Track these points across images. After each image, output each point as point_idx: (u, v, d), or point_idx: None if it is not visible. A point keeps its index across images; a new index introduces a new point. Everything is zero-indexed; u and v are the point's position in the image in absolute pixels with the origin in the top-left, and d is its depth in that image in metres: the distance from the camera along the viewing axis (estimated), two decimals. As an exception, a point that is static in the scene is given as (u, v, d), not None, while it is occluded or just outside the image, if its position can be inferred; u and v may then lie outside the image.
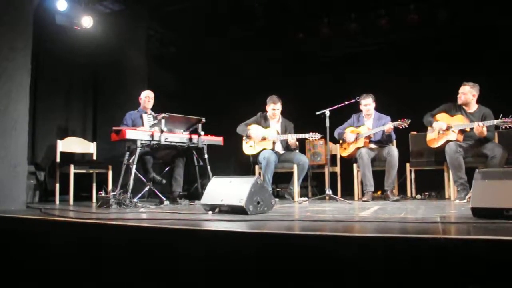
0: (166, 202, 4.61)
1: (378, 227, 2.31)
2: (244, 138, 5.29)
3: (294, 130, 5.33)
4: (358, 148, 5.00)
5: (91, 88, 6.52)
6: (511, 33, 5.58)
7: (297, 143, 5.19)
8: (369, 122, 5.15)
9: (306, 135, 5.03)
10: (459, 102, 4.61)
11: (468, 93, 4.54)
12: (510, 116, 4.11)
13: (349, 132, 5.17)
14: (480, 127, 4.24)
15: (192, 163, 4.95)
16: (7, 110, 3.90)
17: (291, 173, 5.14)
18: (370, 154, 4.93)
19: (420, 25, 6.13)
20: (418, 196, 5.11)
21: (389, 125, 4.84)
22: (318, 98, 5.32)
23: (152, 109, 5.16)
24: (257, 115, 5.41)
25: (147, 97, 5.09)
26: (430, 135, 4.79)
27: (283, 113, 5.41)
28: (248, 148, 5.25)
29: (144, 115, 4.67)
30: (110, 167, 5.19)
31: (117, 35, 6.30)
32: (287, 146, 5.31)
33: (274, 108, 5.27)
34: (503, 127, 4.17)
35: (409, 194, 5.16)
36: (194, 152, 4.90)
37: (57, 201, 4.92)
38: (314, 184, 5.71)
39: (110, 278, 2.40)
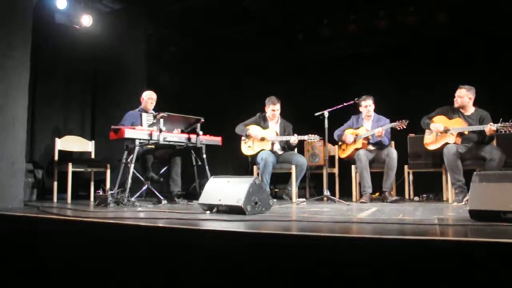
0: (164, 202, 4.60)
1: (376, 228, 2.31)
2: (242, 138, 5.29)
3: (293, 131, 5.33)
4: (356, 150, 5.00)
5: (90, 87, 6.52)
6: (510, 36, 5.59)
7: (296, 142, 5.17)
8: (368, 123, 5.16)
9: (305, 137, 5.02)
10: (456, 105, 4.62)
11: (464, 96, 4.55)
12: (510, 121, 4.11)
13: (348, 134, 5.18)
14: (492, 130, 4.23)
15: (190, 163, 4.94)
16: (5, 107, 3.90)
17: (290, 174, 5.14)
18: (369, 156, 4.93)
19: (419, 27, 6.14)
20: (416, 198, 5.11)
21: (379, 129, 4.84)
22: (317, 99, 5.32)
23: (153, 110, 5.14)
24: (256, 116, 5.41)
25: (150, 98, 5.05)
26: (428, 137, 4.80)
27: (282, 114, 5.41)
28: (247, 149, 5.25)
29: (144, 114, 4.65)
30: (108, 166, 5.18)
31: (116, 34, 6.30)
32: (285, 147, 5.31)
33: (273, 109, 5.28)
34: (503, 131, 4.17)
35: (407, 196, 5.17)
36: (192, 151, 4.89)
37: (55, 199, 4.91)
38: (312, 185, 5.71)
39: (107, 277, 2.39)
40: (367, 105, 5.11)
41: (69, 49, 5.93)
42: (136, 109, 5.05)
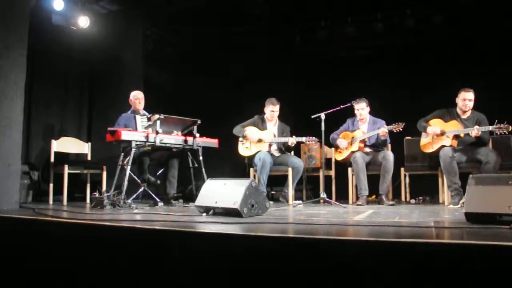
0: (161, 204, 4.58)
1: (372, 231, 2.31)
2: (240, 139, 5.28)
3: (290, 133, 5.33)
4: (353, 152, 5.00)
5: (86, 88, 6.49)
6: (508, 38, 5.62)
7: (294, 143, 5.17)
8: (364, 126, 5.16)
9: (303, 139, 5.03)
10: (465, 108, 4.58)
11: (473, 99, 4.55)
12: (505, 122, 4.12)
13: (341, 139, 5.18)
14: (476, 133, 4.26)
15: (187, 165, 4.93)
16: (1, 108, 3.88)
17: (286, 176, 5.14)
18: (365, 158, 4.93)
19: (416, 29, 6.16)
20: (412, 201, 5.12)
21: (383, 129, 4.84)
22: (314, 101, 5.33)
23: (145, 109, 5.13)
24: (254, 117, 5.40)
25: (136, 99, 5.05)
26: (424, 140, 4.81)
27: (279, 116, 5.40)
28: (244, 150, 5.25)
29: (138, 117, 4.64)
30: (104, 167, 5.15)
31: (113, 35, 6.28)
32: (282, 149, 5.31)
33: (273, 109, 5.27)
34: (498, 133, 4.18)
35: (403, 199, 5.18)
36: (189, 153, 4.88)
37: (51, 201, 4.89)
38: (309, 188, 5.71)
39: (101, 279, 2.38)
40: (359, 108, 5.10)
41: (66, 50, 5.91)
42: (128, 111, 5.03)
